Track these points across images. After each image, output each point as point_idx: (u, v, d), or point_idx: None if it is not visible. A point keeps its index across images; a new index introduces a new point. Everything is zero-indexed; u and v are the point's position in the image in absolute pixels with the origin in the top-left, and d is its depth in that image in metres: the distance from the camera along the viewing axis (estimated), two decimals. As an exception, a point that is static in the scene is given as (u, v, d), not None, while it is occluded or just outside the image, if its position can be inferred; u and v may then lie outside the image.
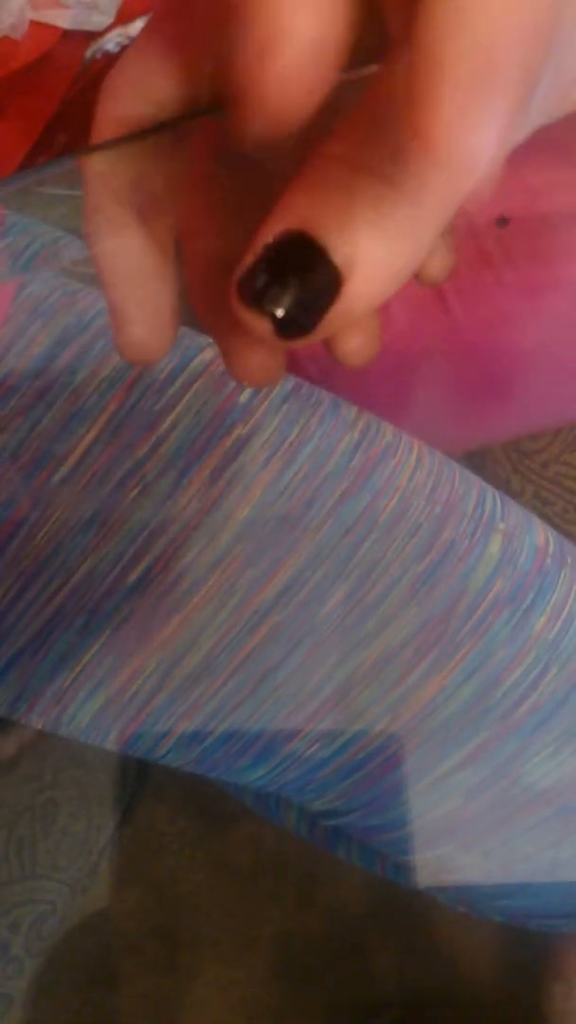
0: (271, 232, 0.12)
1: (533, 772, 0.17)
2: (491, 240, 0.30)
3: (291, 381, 0.19)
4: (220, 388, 0.17)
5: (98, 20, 0.49)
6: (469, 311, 0.31)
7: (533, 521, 0.20)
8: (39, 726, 0.18)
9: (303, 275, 0.12)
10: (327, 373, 0.32)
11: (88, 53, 0.51)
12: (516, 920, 0.21)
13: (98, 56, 0.53)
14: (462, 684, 0.17)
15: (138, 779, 0.39)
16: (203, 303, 0.18)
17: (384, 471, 0.18)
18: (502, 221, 0.30)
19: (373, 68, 0.14)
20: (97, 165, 0.18)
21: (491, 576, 0.18)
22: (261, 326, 0.13)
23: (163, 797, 0.41)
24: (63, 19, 0.47)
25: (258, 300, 0.12)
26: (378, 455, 0.18)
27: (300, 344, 0.13)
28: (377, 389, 0.33)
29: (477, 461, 0.37)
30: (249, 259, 0.13)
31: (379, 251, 0.12)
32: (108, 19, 0.50)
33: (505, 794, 0.17)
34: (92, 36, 0.50)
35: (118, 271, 0.17)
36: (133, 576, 0.16)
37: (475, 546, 0.18)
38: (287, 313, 0.13)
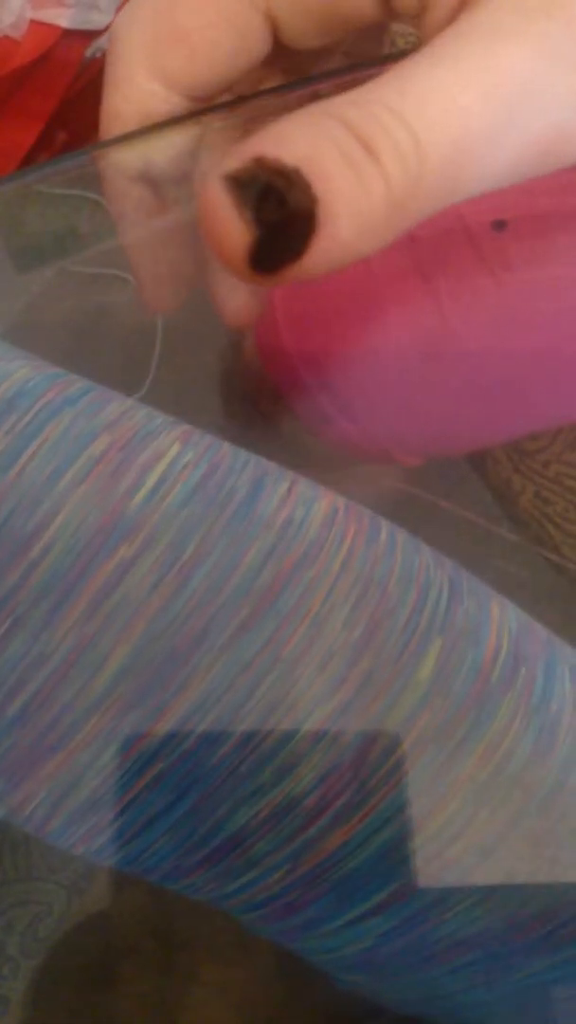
0: (268, 151, 0.12)
1: (453, 922, 0.15)
2: (488, 243, 0.30)
3: (203, 467, 0.16)
4: (107, 494, 0.15)
5: (98, 19, 0.49)
6: (466, 315, 0.31)
7: (486, 617, 0.16)
8: None
9: (288, 205, 0.12)
10: (325, 380, 0.32)
11: (88, 52, 0.51)
12: None
13: (98, 55, 0.53)
14: (371, 836, 0.15)
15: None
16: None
17: (297, 588, 0.15)
18: (499, 224, 0.30)
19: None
20: (112, 156, 0.18)
21: (416, 709, 0.15)
22: (240, 236, 0.12)
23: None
24: (63, 18, 0.47)
25: (244, 201, 0.12)
26: (293, 564, 0.15)
27: (268, 282, 0.13)
28: (376, 395, 0.33)
29: (477, 461, 0.37)
30: (237, 164, 0.12)
31: (364, 205, 0.12)
32: (108, 18, 0.50)
33: (422, 940, 0.16)
34: (92, 35, 0.50)
35: (137, 256, 0.19)
36: (11, 710, 0.15)
37: (399, 673, 0.15)
38: (269, 231, 0.12)
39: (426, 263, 0.30)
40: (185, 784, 0.15)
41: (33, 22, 0.46)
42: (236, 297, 0.19)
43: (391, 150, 0.12)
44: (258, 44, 0.17)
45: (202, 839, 0.15)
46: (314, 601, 0.15)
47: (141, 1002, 0.27)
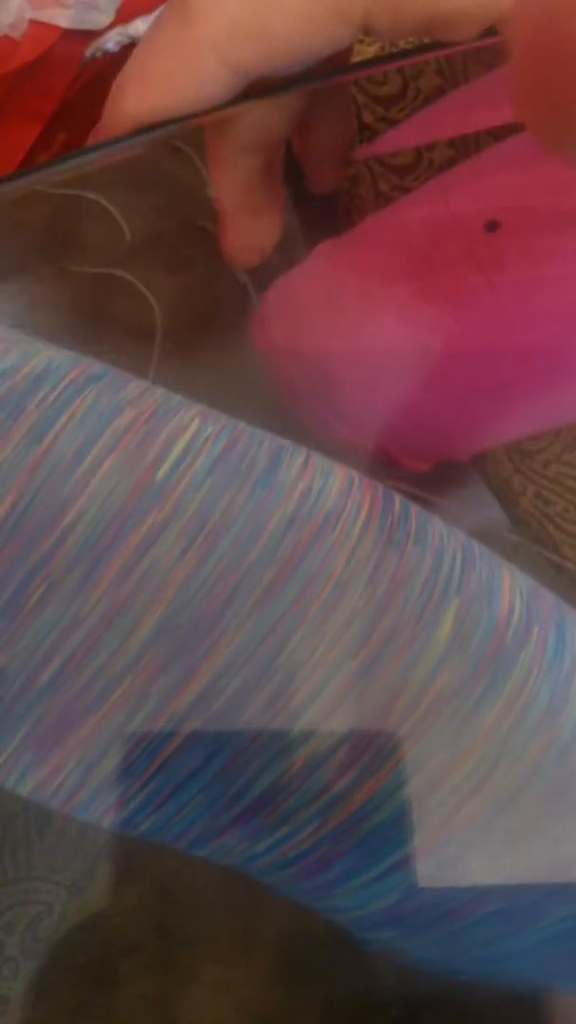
0: None
1: (474, 873, 0.16)
2: (481, 244, 0.30)
3: (223, 440, 0.17)
4: (135, 464, 0.16)
5: (98, 19, 0.49)
6: (461, 316, 0.31)
7: (498, 581, 0.17)
8: None
9: None
10: (320, 383, 0.32)
11: (88, 52, 0.51)
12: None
13: (98, 55, 0.53)
14: (395, 791, 0.15)
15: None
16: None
17: (319, 552, 0.16)
18: (492, 225, 0.30)
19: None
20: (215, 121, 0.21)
21: (436, 668, 0.16)
22: None
23: (162, 797, 0.41)
24: (62, 18, 0.47)
25: None
26: (314, 531, 0.16)
27: None
28: (371, 398, 0.33)
29: (477, 461, 0.37)
30: None
31: None
32: (108, 18, 0.50)
33: (446, 894, 0.16)
34: (92, 35, 0.50)
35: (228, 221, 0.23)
36: (45, 675, 0.15)
37: (420, 632, 0.16)
38: None
39: (420, 264, 0.31)
40: (215, 745, 0.16)
41: (32, 22, 0.46)
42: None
43: None
44: (334, 47, 0.18)
45: (233, 798, 0.16)
46: (336, 563, 0.16)
47: (141, 1002, 0.27)
